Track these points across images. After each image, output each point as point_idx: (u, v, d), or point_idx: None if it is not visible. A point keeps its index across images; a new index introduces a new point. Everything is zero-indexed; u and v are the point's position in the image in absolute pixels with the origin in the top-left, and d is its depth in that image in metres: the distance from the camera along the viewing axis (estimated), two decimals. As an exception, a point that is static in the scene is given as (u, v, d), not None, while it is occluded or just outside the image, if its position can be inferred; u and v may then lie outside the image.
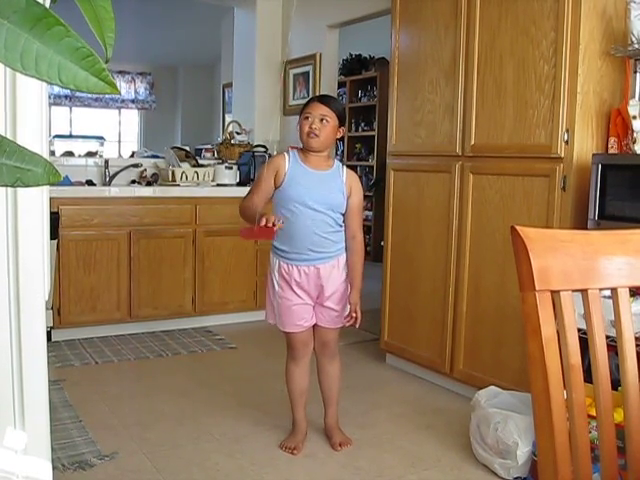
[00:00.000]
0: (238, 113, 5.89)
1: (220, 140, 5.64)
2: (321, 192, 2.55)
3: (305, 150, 2.60)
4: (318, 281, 2.58)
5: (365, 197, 7.82)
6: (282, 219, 2.44)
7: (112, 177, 4.74)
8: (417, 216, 3.50)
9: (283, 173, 2.55)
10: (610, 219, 2.61)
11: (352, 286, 2.65)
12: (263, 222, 2.35)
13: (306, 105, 2.61)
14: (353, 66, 7.86)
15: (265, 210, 2.45)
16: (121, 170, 4.78)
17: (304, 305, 2.61)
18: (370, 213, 7.70)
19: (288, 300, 2.59)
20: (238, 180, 4.96)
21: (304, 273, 2.57)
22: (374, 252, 7.39)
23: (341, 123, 2.61)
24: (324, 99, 2.63)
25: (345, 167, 2.67)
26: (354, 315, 2.62)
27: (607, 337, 1.08)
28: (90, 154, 5.38)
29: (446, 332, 3.34)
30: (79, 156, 5.22)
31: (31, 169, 0.66)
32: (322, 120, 2.54)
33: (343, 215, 2.62)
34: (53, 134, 7.05)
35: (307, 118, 2.56)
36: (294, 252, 2.56)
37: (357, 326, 2.68)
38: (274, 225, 2.35)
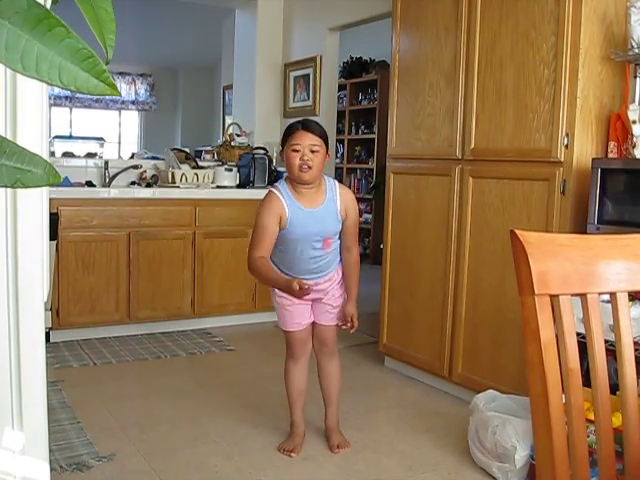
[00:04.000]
0: (238, 115, 5.89)
1: (220, 142, 5.64)
2: (320, 229, 2.51)
3: (295, 183, 2.49)
4: (316, 289, 2.58)
5: (365, 200, 7.87)
6: (307, 285, 2.31)
7: (112, 178, 4.74)
8: (417, 219, 3.50)
9: (285, 218, 2.47)
10: (610, 223, 2.61)
11: (348, 298, 2.66)
12: (297, 288, 2.26)
13: (290, 135, 2.47)
14: (354, 69, 7.87)
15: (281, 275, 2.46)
16: (121, 171, 4.78)
17: (302, 305, 2.63)
18: (370, 216, 7.71)
19: (287, 300, 2.60)
20: (238, 182, 4.96)
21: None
22: (373, 255, 7.40)
23: (328, 147, 2.52)
24: (310, 126, 2.47)
25: (338, 185, 2.58)
26: (349, 325, 2.66)
27: (606, 341, 1.08)
28: (90, 155, 5.39)
29: (445, 335, 3.33)
30: (79, 157, 5.22)
31: (31, 170, 0.66)
32: (313, 151, 2.43)
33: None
34: (53, 135, 7.06)
35: (296, 150, 2.43)
36: (294, 274, 2.52)
37: (352, 331, 2.72)
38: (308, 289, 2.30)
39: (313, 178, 2.46)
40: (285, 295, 2.58)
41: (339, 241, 2.62)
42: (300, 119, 2.63)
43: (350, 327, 2.67)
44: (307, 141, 2.43)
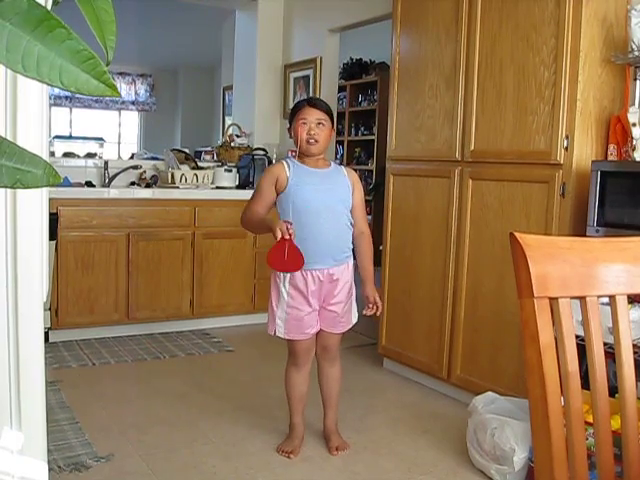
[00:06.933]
0: (238, 116, 5.89)
1: (220, 143, 5.64)
2: (328, 187, 2.58)
3: (302, 155, 2.60)
4: (329, 285, 2.58)
5: (364, 201, 7.86)
6: (289, 224, 2.38)
7: (111, 179, 4.74)
8: (416, 221, 3.50)
9: (285, 177, 2.54)
10: (609, 226, 2.61)
11: (365, 281, 2.69)
12: (279, 235, 2.32)
13: (298, 110, 2.59)
14: (354, 70, 7.87)
15: (271, 216, 2.51)
16: (120, 172, 4.78)
17: (312, 313, 2.60)
18: (369, 217, 7.70)
19: (299, 310, 2.57)
20: (237, 183, 4.96)
21: (318, 280, 2.55)
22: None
23: (333, 123, 2.65)
24: (316, 102, 2.62)
25: (343, 166, 2.73)
26: (371, 306, 2.68)
27: (605, 344, 1.08)
28: (90, 155, 5.39)
29: (444, 337, 3.33)
30: (79, 157, 5.22)
31: (31, 170, 0.66)
32: (319, 124, 2.56)
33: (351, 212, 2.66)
34: (53, 135, 7.06)
35: (304, 124, 2.55)
36: (315, 260, 2.51)
37: (378, 313, 2.72)
38: (290, 236, 2.34)
39: (319, 150, 2.58)
40: (296, 305, 2.56)
41: (352, 226, 2.65)
42: (307, 97, 2.75)
43: (376, 310, 2.69)
44: (314, 115, 2.56)
